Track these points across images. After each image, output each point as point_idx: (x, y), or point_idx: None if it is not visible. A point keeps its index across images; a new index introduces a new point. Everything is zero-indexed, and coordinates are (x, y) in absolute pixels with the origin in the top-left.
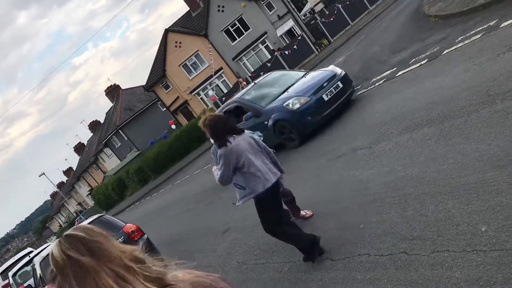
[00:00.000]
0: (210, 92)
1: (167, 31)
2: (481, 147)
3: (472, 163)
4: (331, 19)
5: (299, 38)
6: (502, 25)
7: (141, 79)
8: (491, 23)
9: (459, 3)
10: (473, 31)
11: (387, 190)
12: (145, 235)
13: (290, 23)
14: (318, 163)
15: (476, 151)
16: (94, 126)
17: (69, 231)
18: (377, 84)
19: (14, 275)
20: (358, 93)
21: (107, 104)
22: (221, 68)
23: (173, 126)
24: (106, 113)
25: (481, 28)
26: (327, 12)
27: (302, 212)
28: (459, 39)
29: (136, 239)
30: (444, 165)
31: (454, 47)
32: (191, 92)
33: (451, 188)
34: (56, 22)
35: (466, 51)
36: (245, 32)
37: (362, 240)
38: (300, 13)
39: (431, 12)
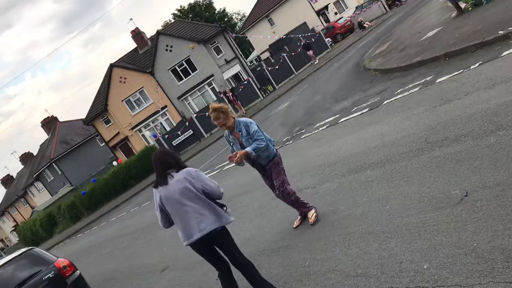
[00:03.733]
0: (147, 133)
1: (112, 66)
2: (421, 189)
3: (414, 204)
4: (277, 67)
5: (245, 82)
6: (438, 80)
7: (80, 113)
8: (427, 78)
9: (397, 59)
10: (412, 85)
11: (331, 228)
12: (78, 271)
13: (237, 68)
14: (262, 202)
15: (417, 193)
16: (25, 158)
17: None
18: (320, 129)
19: None
20: (302, 137)
21: (42, 136)
22: (165, 106)
23: (114, 163)
24: (40, 146)
25: (418, 82)
26: (272, 61)
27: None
28: (398, 91)
29: (68, 274)
30: (387, 206)
31: (394, 98)
32: (132, 128)
33: (394, 228)
34: None
35: (405, 102)
36: (192, 73)
37: (307, 277)
38: (246, 59)
39: (371, 66)
